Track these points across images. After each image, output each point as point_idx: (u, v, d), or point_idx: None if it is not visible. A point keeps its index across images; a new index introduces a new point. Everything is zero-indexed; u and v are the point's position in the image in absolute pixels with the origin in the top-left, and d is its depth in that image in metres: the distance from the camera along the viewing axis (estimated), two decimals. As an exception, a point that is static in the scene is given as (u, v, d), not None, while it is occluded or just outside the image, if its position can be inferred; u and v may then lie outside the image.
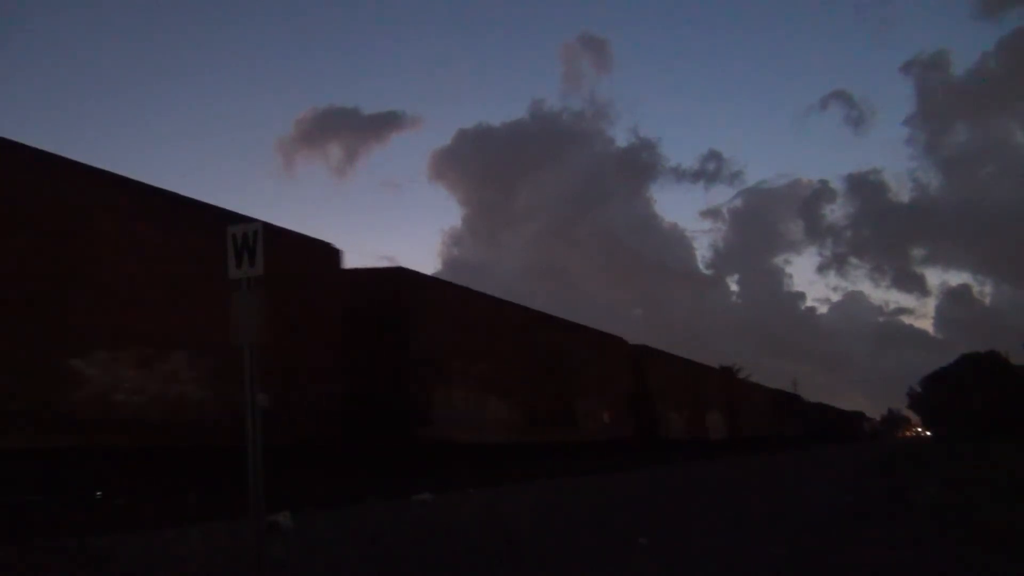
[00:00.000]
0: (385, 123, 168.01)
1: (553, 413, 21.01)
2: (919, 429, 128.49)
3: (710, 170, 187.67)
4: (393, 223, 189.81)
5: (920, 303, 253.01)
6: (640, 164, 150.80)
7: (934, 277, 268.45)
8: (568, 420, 21.97)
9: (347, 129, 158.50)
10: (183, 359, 10.55)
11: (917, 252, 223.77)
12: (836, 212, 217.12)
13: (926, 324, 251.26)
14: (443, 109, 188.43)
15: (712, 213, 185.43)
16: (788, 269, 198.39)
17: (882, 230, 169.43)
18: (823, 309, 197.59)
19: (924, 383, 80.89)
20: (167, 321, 10.45)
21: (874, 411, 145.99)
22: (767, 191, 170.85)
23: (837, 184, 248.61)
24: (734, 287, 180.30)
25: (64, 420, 9.17)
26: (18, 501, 8.65)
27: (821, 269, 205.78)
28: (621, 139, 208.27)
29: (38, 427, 8.98)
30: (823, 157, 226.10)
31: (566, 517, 11.22)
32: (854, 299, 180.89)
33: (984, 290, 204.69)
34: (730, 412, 40.06)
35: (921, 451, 43.05)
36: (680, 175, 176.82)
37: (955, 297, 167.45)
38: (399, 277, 15.92)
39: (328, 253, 14.02)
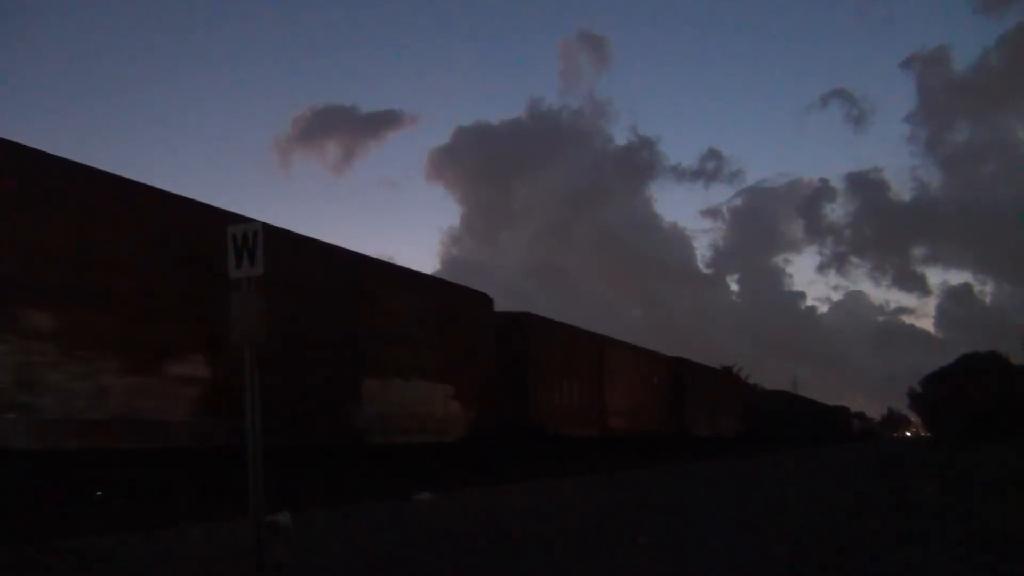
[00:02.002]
0: (383, 121, 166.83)
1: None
2: (913, 431, 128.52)
3: (710, 169, 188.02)
4: (391, 222, 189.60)
5: (921, 302, 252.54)
6: (639, 163, 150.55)
7: (935, 276, 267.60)
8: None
9: (344, 127, 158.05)
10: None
11: (918, 251, 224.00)
12: (836, 211, 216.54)
13: (926, 324, 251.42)
14: (441, 107, 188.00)
15: (712, 212, 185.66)
16: (788, 268, 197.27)
17: (883, 229, 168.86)
18: (823, 308, 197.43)
19: (924, 383, 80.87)
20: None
21: (874, 411, 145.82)
22: (767, 190, 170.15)
23: (837, 183, 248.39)
24: (734, 286, 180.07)
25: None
26: (18, 501, 8.65)
27: (821, 268, 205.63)
28: (620, 137, 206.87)
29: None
30: (823, 156, 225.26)
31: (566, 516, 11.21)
32: (854, 298, 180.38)
33: (984, 290, 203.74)
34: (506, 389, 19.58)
35: (921, 451, 43.09)
36: (680, 174, 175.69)
37: (955, 296, 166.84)
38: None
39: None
